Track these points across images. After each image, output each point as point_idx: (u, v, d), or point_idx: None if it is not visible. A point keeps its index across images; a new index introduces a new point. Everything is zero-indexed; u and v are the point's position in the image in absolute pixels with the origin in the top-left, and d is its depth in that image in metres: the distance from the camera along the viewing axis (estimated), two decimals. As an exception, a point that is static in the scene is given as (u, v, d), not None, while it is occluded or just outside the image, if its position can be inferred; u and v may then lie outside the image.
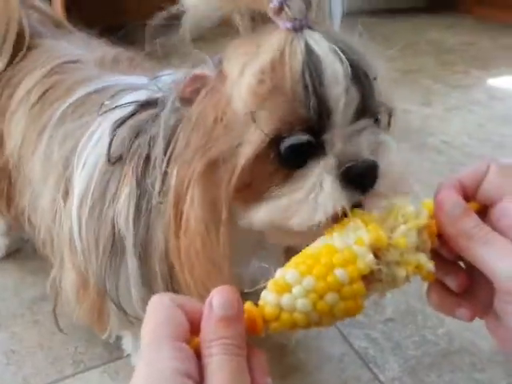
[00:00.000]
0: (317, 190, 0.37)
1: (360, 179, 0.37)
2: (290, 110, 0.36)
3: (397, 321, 0.83)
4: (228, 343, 0.29)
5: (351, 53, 0.37)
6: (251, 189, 0.39)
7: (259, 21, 0.38)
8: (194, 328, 0.30)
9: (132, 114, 0.47)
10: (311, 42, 0.36)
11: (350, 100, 0.37)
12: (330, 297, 0.32)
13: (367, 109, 0.38)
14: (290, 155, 0.37)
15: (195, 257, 0.41)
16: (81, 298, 0.56)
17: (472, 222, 0.35)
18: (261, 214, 0.39)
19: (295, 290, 0.32)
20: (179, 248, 0.42)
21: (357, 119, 0.38)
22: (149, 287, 0.48)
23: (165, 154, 0.42)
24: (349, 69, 0.36)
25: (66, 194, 0.54)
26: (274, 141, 0.37)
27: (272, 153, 0.37)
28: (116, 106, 0.51)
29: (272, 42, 0.37)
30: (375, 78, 0.38)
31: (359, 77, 0.37)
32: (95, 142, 0.51)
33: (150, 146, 0.45)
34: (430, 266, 0.35)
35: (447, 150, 1.40)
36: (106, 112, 0.52)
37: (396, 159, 0.39)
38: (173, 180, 0.41)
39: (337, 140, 0.37)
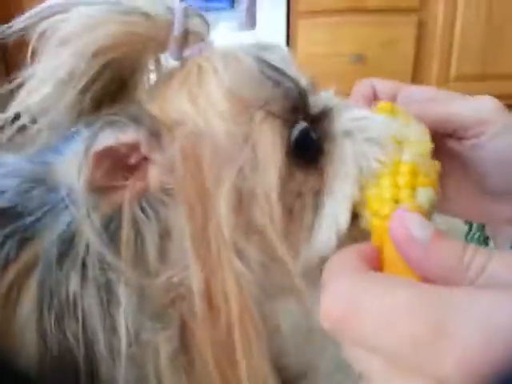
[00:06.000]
0: (359, 141, 0.32)
1: None
2: (283, 100, 0.31)
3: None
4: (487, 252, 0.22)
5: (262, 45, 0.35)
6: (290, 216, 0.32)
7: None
8: None
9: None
10: (235, 48, 0.33)
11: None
12: None
13: None
14: (304, 142, 0.32)
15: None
16: None
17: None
18: (328, 220, 0.32)
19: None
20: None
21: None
22: None
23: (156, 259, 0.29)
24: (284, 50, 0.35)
25: None
26: (286, 132, 0.31)
27: (287, 153, 0.31)
28: None
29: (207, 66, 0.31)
30: None
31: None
32: None
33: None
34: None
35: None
36: None
37: None
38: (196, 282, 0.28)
39: (319, 103, 0.34)
